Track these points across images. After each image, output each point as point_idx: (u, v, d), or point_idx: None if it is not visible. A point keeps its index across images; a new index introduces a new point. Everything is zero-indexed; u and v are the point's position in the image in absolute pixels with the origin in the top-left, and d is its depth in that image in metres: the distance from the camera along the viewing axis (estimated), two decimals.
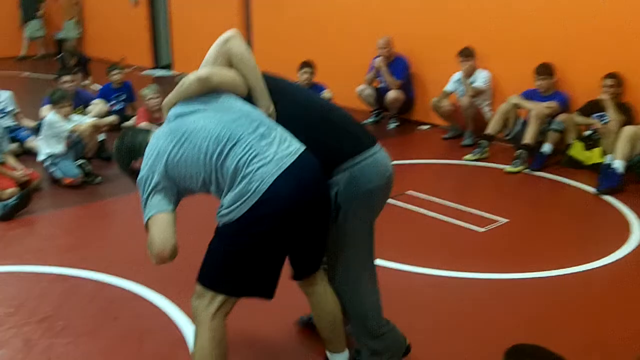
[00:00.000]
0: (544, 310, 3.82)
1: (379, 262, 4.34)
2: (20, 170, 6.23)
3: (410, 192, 5.90)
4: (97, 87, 9.49)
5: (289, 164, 2.52)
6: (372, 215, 2.95)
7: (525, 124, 6.85)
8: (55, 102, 6.44)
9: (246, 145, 2.53)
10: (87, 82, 9.66)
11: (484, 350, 3.37)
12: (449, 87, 7.83)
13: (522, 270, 4.30)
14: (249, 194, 2.47)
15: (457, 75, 7.72)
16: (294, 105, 2.86)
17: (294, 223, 2.58)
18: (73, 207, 5.82)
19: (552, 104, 6.77)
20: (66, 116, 6.46)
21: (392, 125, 8.53)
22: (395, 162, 6.73)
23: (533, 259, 4.54)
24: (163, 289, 3.92)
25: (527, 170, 6.57)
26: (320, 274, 2.93)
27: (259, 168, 2.49)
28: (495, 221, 5.21)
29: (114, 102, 8.50)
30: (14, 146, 6.97)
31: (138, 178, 2.66)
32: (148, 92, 7.06)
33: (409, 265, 4.39)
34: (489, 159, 6.99)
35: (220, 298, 2.59)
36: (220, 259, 2.59)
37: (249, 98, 2.77)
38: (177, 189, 2.64)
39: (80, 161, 6.56)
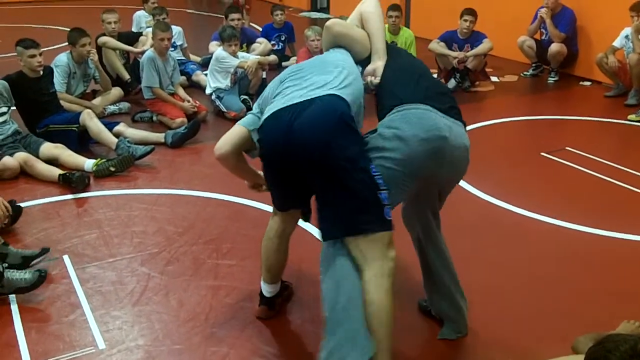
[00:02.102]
0: None
1: (535, 216, 4.39)
2: (188, 102, 6.62)
3: (568, 148, 5.74)
4: (255, 26, 9.80)
5: (289, 104, 2.64)
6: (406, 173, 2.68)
7: None
8: (225, 40, 6.73)
9: (282, 85, 2.81)
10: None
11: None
12: (617, 42, 7.43)
13: None
14: (260, 123, 2.77)
15: (627, 30, 7.29)
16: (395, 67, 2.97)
17: (275, 160, 2.73)
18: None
19: None
20: (233, 53, 6.75)
21: (551, 80, 8.26)
22: (553, 117, 6.71)
23: None
24: None
25: None
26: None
27: (272, 103, 2.76)
28: None
29: (274, 42, 8.76)
30: (182, 79, 7.37)
31: None
32: (311, 34, 7.19)
33: (563, 222, 4.34)
34: None
35: None
36: None
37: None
38: None
39: (244, 96, 6.88)
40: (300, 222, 3.15)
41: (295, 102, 2.63)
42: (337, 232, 2.64)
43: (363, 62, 3.02)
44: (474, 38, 7.72)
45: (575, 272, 3.77)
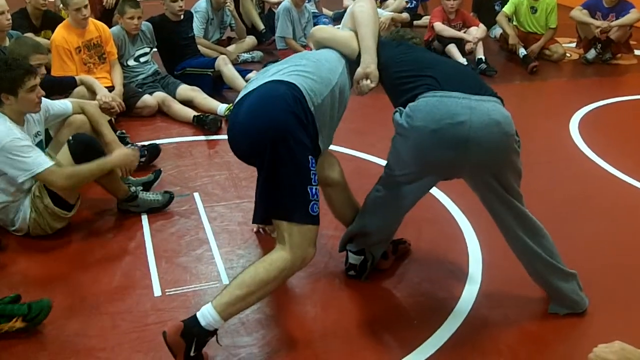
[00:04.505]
0: None
1: None
2: None
3: None
4: None
5: (244, 93, 2.72)
6: (416, 165, 2.80)
7: None
8: None
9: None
10: None
11: None
12: None
13: None
14: None
15: None
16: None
17: (232, 148, 2.79)
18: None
19: None
20: None
21: None
22: None
23: None
24: (443, 185, 4.07)
25: None
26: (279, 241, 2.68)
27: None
28: None
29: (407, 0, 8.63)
30: None
31: None
32: None
33: None
34: None
35: None
36: None
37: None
38: None
39: None
40: None
41: (244, 93, 2.72)
42: (262, 214, 2.70)
43: (356, 62, 2.99)
44: (621, 7, 7.29)
45: None
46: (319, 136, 2.74)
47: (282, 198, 2.59)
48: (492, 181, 2.77)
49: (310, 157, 2.59)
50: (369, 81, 2.94)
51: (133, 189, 3.81)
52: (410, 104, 2.70)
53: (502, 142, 2.65)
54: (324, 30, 3.15)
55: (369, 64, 2.93)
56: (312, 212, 2.59)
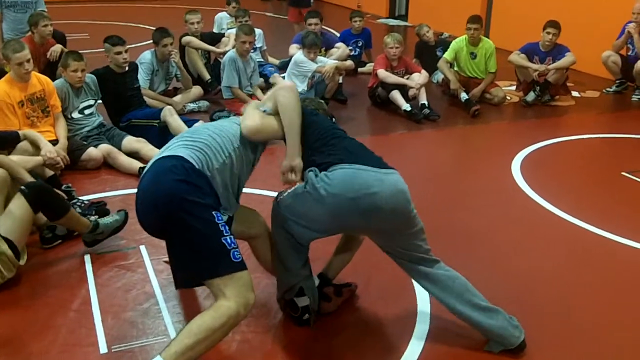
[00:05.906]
0: None
1: (613, 237, 4.28)
2: None
3: None
4: (333, 31, 9.85)
5: (143, 173, 2.92)
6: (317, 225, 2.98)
7: None
8: (305, 46, 6.80)
9: None
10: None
11: None
12: None
13: None
14: None
15: None
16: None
17: (143, 227, 2.96)
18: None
19: None
20: (313, 59, 6.80)
21: (636, 98, 7.99)
22: (636, 135, 6.52)
23: None
24: None
25: None
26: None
27: None
28: None
29: (351, 47, 8.79)
30: (260, 81, 7.48)
31: None
32: (390, 41, 7.19)
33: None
34: None
35: None
36: None
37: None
38: None
39: (319, 100, 6.93)
40: None
41: (143, 172, 2.92)
42: (187, 280, 2.91)
43: (282, 138, 3.15)
44: (557, 51, 7.57)
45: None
46: (222, 193, 2.90)
47: (201, 259, 2.70)
48: (398, 241, 3.05)
49: (213, 212, 2.73)
50: (293, 175, 3.10)
51: (93, 218, 3.89)
52: (326, 172, 2.88)
53: (406, 208, 2.93)
54: (252, 119, 3.08)
55: (294, 157, 3.09)
56: (235, 259, 2.69)
